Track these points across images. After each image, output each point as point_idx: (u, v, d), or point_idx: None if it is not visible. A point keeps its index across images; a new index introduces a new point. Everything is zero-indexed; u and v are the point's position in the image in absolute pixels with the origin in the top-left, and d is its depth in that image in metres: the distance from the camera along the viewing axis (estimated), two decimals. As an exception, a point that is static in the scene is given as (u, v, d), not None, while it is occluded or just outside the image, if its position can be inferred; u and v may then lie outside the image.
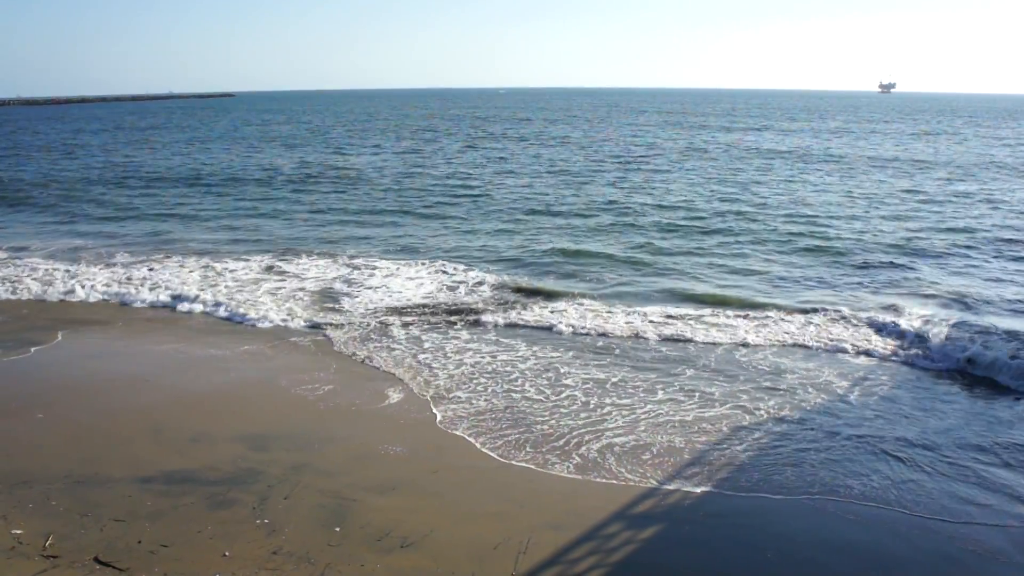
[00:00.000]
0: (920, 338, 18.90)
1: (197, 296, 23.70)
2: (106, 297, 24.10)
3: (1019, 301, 22.60)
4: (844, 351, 18.93)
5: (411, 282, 25.45)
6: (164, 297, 23.79)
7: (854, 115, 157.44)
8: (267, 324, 21.49)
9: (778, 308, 22.14)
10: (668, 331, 20.28)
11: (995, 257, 28.92)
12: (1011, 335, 19.38)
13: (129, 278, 25.75)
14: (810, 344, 19.38)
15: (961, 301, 22.61)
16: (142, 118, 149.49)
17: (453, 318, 21.67)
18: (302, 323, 21.57)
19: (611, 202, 41.49)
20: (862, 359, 18.68)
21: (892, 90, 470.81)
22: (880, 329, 19.90)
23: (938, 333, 19.07)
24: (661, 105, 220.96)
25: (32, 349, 19.55)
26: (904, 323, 20.13)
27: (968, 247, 30.57)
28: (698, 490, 12.74)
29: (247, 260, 28.83)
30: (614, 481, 13.04)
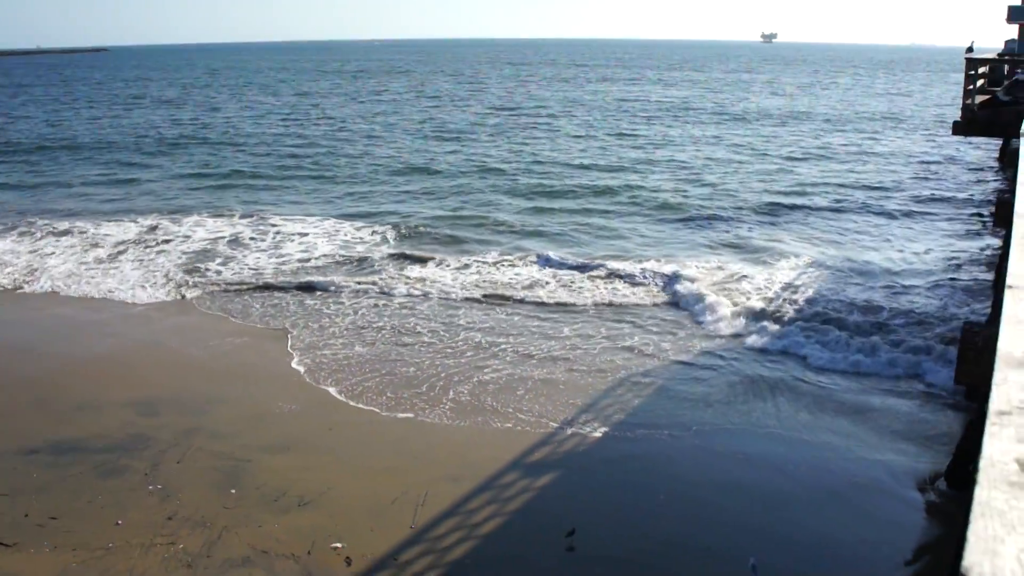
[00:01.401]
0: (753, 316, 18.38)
1: (65, 268, 22.89)
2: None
3: (877, 265, 22.40)
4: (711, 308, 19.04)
5: (303, 241, 25.15)
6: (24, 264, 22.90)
7: (735, 65, 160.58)
8: (146, 287, 20.93)
9: (653, 267, 22.17)
10: (550, 290, 20.51)
11: (864, 212, 29.32)
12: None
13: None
14: (681, 300, 19.54)
15: (824, 265, 22.27)
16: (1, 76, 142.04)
17: (346, 279, 21.44)
18: (185, 285, 21.09)
19: (492, 160, 40.94)
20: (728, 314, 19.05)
21: (774, 40, 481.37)
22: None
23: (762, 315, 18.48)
24: (544, 56, 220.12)
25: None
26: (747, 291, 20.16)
27: (840, 201, 31.03)
28: (591, 436, 13.03)
29: (127, 223, 27.90)
30: (509, 425, 13.29)
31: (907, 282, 20.72)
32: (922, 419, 13.76)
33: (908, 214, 28.91)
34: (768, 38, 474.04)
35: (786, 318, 18.08)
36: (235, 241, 25.30)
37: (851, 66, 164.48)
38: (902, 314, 18.16)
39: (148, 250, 24.44)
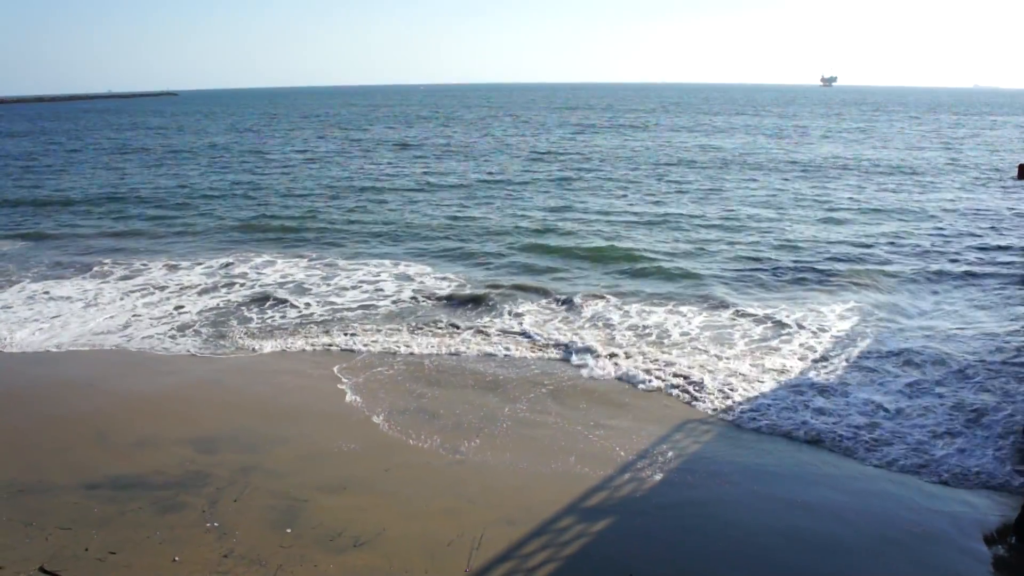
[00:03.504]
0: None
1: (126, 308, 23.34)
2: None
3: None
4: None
5: (364, 289, 25.29)
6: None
7: (793, 109, 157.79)
8: (203, 329, 21.30)
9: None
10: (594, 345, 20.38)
11: (918, 275, 26.55)
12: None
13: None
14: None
15: (866, 325, 21.80)
16: (68, 120, 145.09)
17: (401, 325, 21.57)
18: (245, 326, 21.47)
19: (548, 217, 38.25)
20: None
21: (833, 84, 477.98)
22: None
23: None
24: (600, 101, 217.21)
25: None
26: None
27: (890, 258, 29.93)
28: (648, 481, 12.89)
29: (195, 268, 28.62)
30: (565, 469, 13.21)
31: (961, 341, 19.72)
32: (986, 471, 13.37)
33: (964, 274, 26.72)
34: (828, 82, 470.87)
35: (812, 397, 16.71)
36: (296, 286, 25.62)
37: (912, 110, 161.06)
38: (954, 372, 17.61)
39: (206, 294, 25.10)
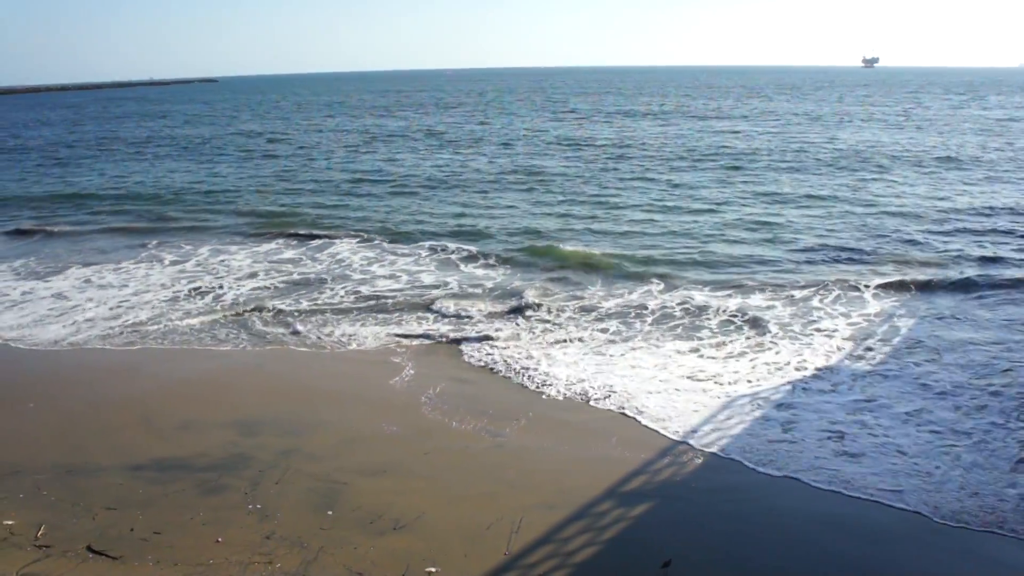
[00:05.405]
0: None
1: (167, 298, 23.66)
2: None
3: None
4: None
5: (407, 276, 25.51)
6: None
7: (830, 93, 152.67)
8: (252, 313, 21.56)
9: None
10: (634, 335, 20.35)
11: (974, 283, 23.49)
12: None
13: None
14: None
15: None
16: (107, 108, 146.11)
17: (442, 312, 21.90)
18: (284, 310, 21.64)
19: (586, 213, 39.35)
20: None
21: (875, 64, 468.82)
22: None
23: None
24: (635, 84, 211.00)
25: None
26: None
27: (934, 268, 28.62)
28: (688, 466, 12.86)
29: (246, 255, 28.91)
30: (604, 453, 13.26)
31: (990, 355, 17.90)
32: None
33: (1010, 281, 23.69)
34: (869, 63, 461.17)
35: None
36: (336, 274, 25.81)
37: (954, 91, 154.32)
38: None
39: (249, 280, 25.41)
